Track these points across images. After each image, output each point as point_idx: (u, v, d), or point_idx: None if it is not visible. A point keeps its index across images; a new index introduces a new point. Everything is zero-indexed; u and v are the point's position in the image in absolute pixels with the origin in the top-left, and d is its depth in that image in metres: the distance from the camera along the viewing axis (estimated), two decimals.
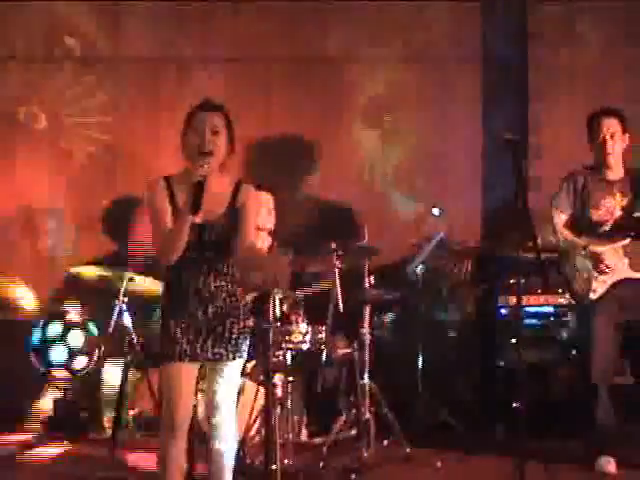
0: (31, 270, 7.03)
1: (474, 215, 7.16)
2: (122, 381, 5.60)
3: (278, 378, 5.06)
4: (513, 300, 6.18)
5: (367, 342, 5.60)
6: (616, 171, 5.43)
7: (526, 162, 6.82)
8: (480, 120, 7.18)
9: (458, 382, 6.71)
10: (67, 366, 6.52)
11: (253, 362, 5.20)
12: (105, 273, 5.93)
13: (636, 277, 5.32)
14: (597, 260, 5.29)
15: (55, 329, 6.56)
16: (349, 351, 5.61)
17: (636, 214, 5.33)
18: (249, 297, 4.81)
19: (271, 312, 4.60)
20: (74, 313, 6.63)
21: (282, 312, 5.25)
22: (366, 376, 5.56)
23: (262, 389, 5.12)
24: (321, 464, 5.22)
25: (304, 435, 5.60)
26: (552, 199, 5.50)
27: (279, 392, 5.05)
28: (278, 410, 4.83)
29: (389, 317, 6.72)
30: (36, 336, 6.55)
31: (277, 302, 4.95)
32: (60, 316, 6.61)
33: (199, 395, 4.29)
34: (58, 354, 6.53)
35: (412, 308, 6.57)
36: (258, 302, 5.00)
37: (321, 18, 7.24)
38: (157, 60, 7.22)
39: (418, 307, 6.52)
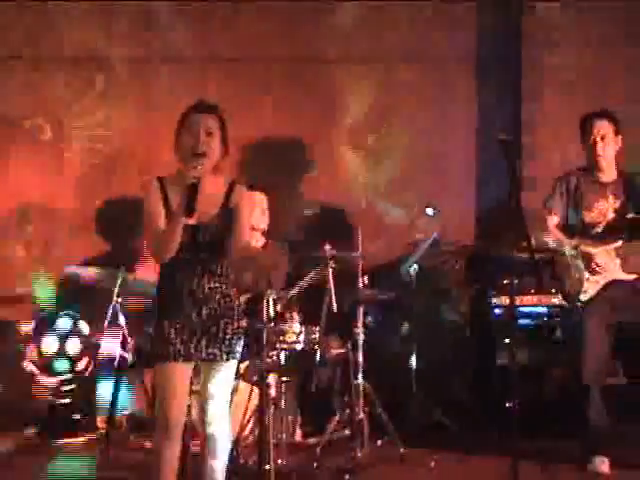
0: (26, 270, 7.03)
1: (468, 215, 7.18)
2: (116, 382, 5.60)
3: (272, 378, 5.06)
4: (507, 300, 6.25)
5: (361, 342, 5.61)
6: (609, 173, 5.43)
7: (520, 162, 6.84)
8: (475, 120, 7.19)
9: (452, 382, 6.72)
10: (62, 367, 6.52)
11: (247, 363, 5.20)
12: (99, 273, 5.92)
13: (627, 279, 5.33)
14: (588, 260, 5.30)
15: (51, 330, 6.56)
16: (343, 351, 5.62)
17: (628, 216, 5.34)
18: (243, 298, 4.81)
19: (265, 312, 4.60)
20: (68, 317, 6.61)
21: (276, 312, 5.25)
22: (360, 376, 5.56)
23: (256, 389, 5.12)
24: (315, 464, 5.22)
25: (298, 435, 5.60)
26: (545, 200, 5.51)
27: (273, 392, 5.06)
28: (272, 410, 4.83)
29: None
30: (32, 336, 6.54)
31: (271, 302, 4.96)
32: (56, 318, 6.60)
33: (193, 396, 4.29)
34: (53, 352, 6.53)
35: (406, 308, 6.57)
36: (252, 303, 5.01)
37: (319, 18, 7.24)
38: (153, 60, 7.22)
39: (412, 307, 6.53)
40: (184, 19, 7.22)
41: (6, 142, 7.14)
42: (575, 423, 5.40)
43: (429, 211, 6.50)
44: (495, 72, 7.18)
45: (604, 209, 5.39)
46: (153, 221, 3.97)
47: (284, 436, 5.17)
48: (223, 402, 4.10)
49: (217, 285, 4.04)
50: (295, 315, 5.34)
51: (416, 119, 7.25)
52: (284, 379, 5.22)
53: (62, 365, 6.48)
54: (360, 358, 5.59)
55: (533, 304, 6.36)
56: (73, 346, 6.52)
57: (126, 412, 5.82)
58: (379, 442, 5.62)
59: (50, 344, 6.50)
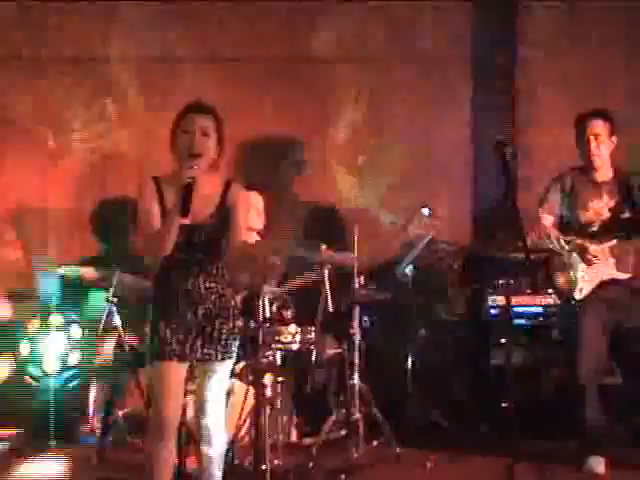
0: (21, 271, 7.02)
1: (464, 215, 7.18)
2: (112, 382, 5.59)
3: (268, 378, 5.06)
4: (503, 300, 6.26)
5: (357, 342, 5.60)
6: (604, 172, 5.44)
7: (515, 162, 6.83)
8: (470, 120, 7.19)
9: (448, 382, 6.70)
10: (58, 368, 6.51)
11: (242, 363, 5.20)
12: (95, 273, 5.91)
13: (622, 277, 5.33)
14: (583, 251, 5.30)
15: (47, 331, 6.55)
16: (339, 351, 5.61)
17: (624, 215, 5.34)
18: (238, 298, 4.81)
19: (260, 312, 4.60)
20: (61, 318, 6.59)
21: (272, 312, 5.25)
22: (356, 376, 5.56)
23: (252, 389, 5.12)
24: (311, 464, 5.21)
25: (294, 435, 5.59)
26: (540, 200, 5.51)
27: (269, 392, 5.05)
28: (268, 410, 4.82)
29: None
30: (28, 337, 6.53)
31: (266, 302, 4.96)
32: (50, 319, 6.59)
33: (188, 396, 4.29)
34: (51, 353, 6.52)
35: (402, 308, 6.57)
36: (247, 303, 5.00)
37: (315, 19, 7.23)
38: (152, 60, 7.21)
39: (408, 307, 6.52)
40: (182, 19, 7.20)
41: (3, 142, 7.13)
42: (571, 423, 5.40)
43: (425, 211, 6.49)
44: (491, 72, 7.17)
45: (599, 208, 5.39)
46: (148, 220, 3.97)
47: (280, 436, 5.17)
48: (219, 402, 4.09)
49: (213, 285, 4.04)
50: (291, 315, 5.33)
51: (413, 119, 7.24)
52: (280, 379, 5.21)
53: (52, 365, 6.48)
54: (356, 358, 5.58)
55: (529, 304, 6.36)
56: (64, 348, 6.52)
57: (122, 412, 5.80)
58: (375, 442, 5.61)
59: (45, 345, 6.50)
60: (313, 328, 5.36)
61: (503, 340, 6.17)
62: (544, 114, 7.11)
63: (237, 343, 4.10)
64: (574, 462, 5.29)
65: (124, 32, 7.20)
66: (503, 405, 4.13)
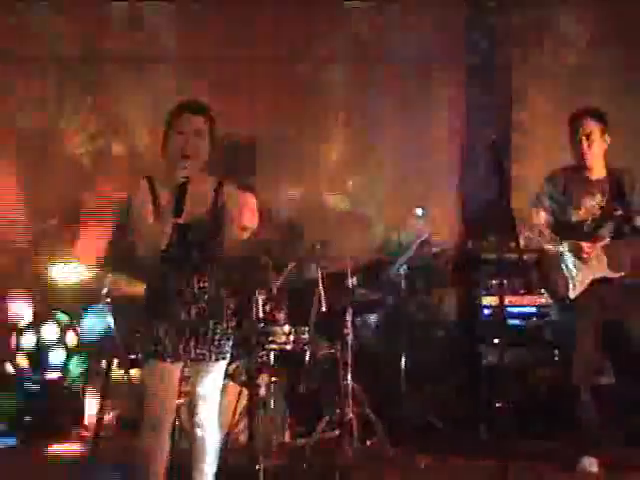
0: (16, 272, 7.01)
1: (457, 215, 7.18)
2: (105, 381, 5.59)
3: (261, 379, 5.05)
4: (496, 300, 6.26)
5: (350, 343, 5.60)
6: (597, 171, 5.43)
7: (509, 162, 6.84)
8: (463, 121, 7.19)
9: (442, 382, 6.71)
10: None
11: (236, 363, 5.20)
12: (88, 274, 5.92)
13: (614, 276, 5.33)
14: (577, 248, 5.30)
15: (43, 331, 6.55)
16: (332, 352, 5.61)
17: (616, 214, 5.35)
18: (232, 298, 4.80)
19: (254, 313, 4.60)
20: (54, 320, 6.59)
21: (265, 313, 5.25)
22: (349, 377, 5.55)
23: (245, 390, 5.12)
24: (304, 464, 5.21)
25: (287, 435, 5.59)
26: (533, 199, 5.51)
27: (262, 392, 5.05)
28: (261, 411, 4.82)
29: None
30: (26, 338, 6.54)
31: (260, 303, 4.96)
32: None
33: (182, 396, 4.28)
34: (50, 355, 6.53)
35: (395, 308, 6.57)
36: (241, 303, 5.00)
37: (304, 20, 7.23)
38: (145, 59, 7.21)
39: (401, 308, 6.53)
40: (175, 19, 7.20)
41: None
42: (565, 423, 5.41)
43: (418, 211, 6.50)
44: (483, 73, 7.18)
45: (592, 207, 5.39)
46: (141, 220, 3.96)
47: (273, 436, 5.17)
48: (212, 402, 4.09)
49: (206, 285, 4.03)
50: (284, 315, 5.33)
51: (405, 119, 7.24)
52: (273, 379, 5.21)
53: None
54: (349, 359, 5.58)
55: (522, 304, 6.36)
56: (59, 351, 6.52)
57: (116, 412, 5.80)
58: (368, 442, 5.61)
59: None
60: (307, 328, 5.36)
61: (496, 340, 6.17)
62: (537, 114, 7.12)
63: (231, 343, 4.10)
64: (567, 462, 5.29)
65: (118, 32, 7.19)
66: (497, 405, 4.12)
